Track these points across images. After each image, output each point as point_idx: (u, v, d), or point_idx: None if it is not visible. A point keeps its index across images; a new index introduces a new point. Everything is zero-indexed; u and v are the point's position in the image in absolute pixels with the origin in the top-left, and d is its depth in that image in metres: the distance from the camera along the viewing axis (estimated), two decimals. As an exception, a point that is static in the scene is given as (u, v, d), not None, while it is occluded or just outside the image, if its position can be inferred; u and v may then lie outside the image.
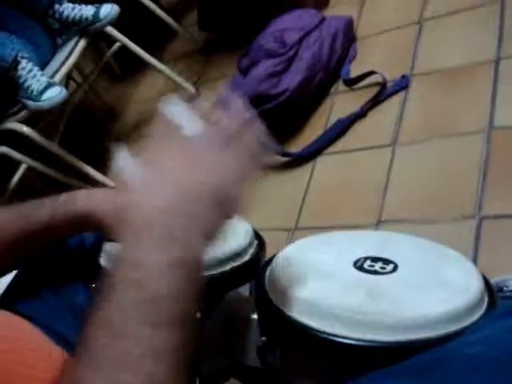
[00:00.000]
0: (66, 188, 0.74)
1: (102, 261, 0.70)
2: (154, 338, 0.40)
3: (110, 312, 0.41)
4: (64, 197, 0.71)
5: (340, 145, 1.57)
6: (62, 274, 0.75)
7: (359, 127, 1.57)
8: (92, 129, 2.56)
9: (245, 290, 0.79)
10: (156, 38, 2.45)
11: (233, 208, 0.49)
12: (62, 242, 0.76)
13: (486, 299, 0.56)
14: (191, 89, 2.18)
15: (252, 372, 0.76)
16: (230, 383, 0.86)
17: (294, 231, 1.46)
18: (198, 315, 0.69)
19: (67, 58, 1.87)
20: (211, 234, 0.47)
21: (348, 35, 1.76)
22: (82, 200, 0.70)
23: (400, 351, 0.48)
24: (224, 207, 0.48)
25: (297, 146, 1.65)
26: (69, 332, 0.66)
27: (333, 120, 1.62)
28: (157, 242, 0.44)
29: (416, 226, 1.25)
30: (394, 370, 0.45)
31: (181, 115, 0.51)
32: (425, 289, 0.55)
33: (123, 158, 0.54)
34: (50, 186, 2.08)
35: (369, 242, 0.67)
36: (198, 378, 0.68)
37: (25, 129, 1.83)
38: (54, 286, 0.73)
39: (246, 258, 0.69)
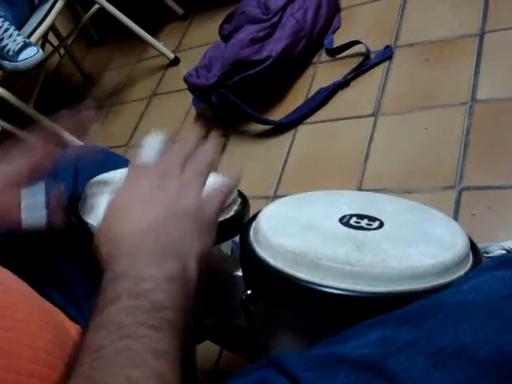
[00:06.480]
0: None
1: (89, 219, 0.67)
2: (152, 338, 0.42)
3: (109, 317, 0.43)
4: None
5: (322, 114, 1.56)
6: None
7: (341, 97, 1.56)
8: (68, 94, 2.50)
9: (227, 249, 0.78)
10: (136, 2, 2.40)
11: (214, 221, 0.56)
12: None
13: (471, 257, 0.56)
14: (171, 55, 2.15)
15: (233, 330, 0.75)
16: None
17: (273, 199, 1.44)
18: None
19: (44, 18, 1.83)
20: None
21: (332, 5, 1.74)
22: None
23: (389, 302, 0.47)
24: (205, 223, 0.54)
25: (278, 114, 1.63)
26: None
27: (315, 89, 1.60)
28: (152, 260, 0.49)
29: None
30: (383, 318, 0.44)
31: (151, 147, 0.58)
32: (412, 244, 0.55)
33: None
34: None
35: (354, 201, 0.67)
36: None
37: (0, 90, 1.79)
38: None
39: (230, 213, 0.68)
